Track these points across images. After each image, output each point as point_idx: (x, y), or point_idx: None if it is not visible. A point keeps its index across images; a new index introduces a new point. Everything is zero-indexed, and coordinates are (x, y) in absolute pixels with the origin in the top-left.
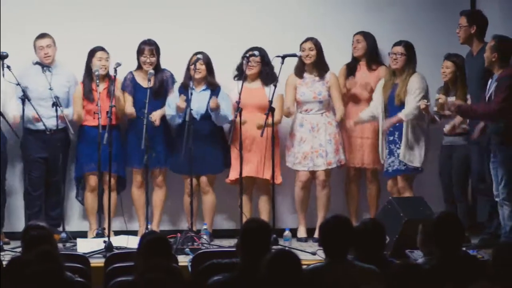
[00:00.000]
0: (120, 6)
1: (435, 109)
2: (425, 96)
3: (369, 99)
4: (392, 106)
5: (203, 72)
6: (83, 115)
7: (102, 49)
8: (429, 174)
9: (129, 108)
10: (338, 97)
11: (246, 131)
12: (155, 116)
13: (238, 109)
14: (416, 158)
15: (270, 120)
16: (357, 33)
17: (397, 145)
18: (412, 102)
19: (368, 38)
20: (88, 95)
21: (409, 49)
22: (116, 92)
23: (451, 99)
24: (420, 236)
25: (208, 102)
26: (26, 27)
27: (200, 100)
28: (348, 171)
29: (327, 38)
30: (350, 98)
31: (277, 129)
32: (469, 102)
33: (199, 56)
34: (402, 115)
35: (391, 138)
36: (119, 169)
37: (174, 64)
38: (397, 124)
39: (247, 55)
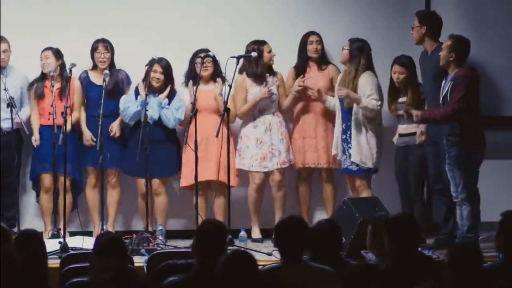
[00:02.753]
0: (76, 7)
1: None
2: (380, 96)
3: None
4: (343, 106)
5: (162, 80)
6: (37, 112)
7: (46, 48)
8: (387, 174)
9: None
10: (283, 94)
11: (201, 132)
12: (115, 128)
13: (193, 110)
14: (368, 158)
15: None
16: (313, 33)
17: (349, 144)
18: (372, 101)
19: (321, 38)
20: (38, 91)
21: (354, 46)
22: (71, 92)
23: (403, 99)
24: (369, 237)
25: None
26: None
27: (154, 106)
28: (299, 171)
29: (278, 37)
30: (300, 103)
31: (231, 130)
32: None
33: (154, 57)
34: (363, 100)
35: (344, 136)
36: (73, 171)
37: (130, 66)
38: (348, 124)
39: (202, 55)
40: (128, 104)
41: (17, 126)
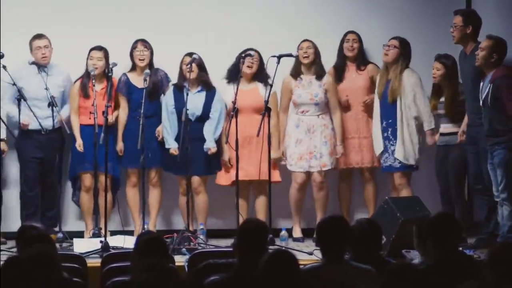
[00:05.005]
0: (116, 6)
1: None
2: (423, 92)
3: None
4: (386, 103)
5: (196, 72)
6: (77, 110)
7: (96, 48)
8: (427, 173)
9: (122, 116)
10: (336, 102)
11: (242, 132)
12: (161, 132)
13: (234, 109)
14: (411, 155)
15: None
16: (351, 32)
17: (391, 142)
18: (427, 113)
19: (359, 37)
20: (84, 90)
21: (403, 46)
22: (113, 92)
23: (443, 99)
24: (415, 237)
25: (204, 104)
26: (21, 27)
27: (195, 102)
28: (341, 171)
29: (320, 38)
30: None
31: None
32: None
33: (195, 56)
34: (427, 128)
35: (385, 134)
36: (114, 169)
37: (168, 65)
38: (390, 121)
39: (243, 55)
40: (166, 135)
41: (59, 124)
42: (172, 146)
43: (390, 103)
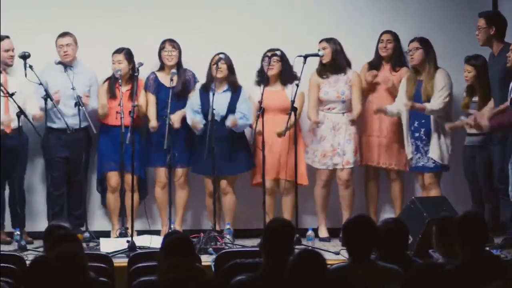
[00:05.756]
0: (144, 5)
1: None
2: (450, 94)
3: (389, 93)
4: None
5: (224, 72)
6: (107, 109)
7: (116, 51)
8: (453, 173)
9: (151, 116)
10: (358, 97)
11: (269, 132)
12: (174, 119)
13: (261, 109)
14: (445, 156)
15: (292, 120)
16: (386, 32)
17: (424, 142)
18: (439, 99)
19: (396, 38)
20: (111, 91)
21: (424, 44)
22: (138, 92)
23: (475, 99)
24: (434, 237)
25: (229, 104)
26: (48, 26)
27: (220, 102)
28: (367, 170)
29: (347, 38)
30: (370, 90)
31: (299, 127)
32: (491, 103)
33: (221, 55)
34: (428, 105)
35: (417, 134)
36: (140, 169)
37: (196, 65)
38: (423, 121)
39: (268, 54)
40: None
41: (85, 123)
42: (197, 119)
43: (425, 102)
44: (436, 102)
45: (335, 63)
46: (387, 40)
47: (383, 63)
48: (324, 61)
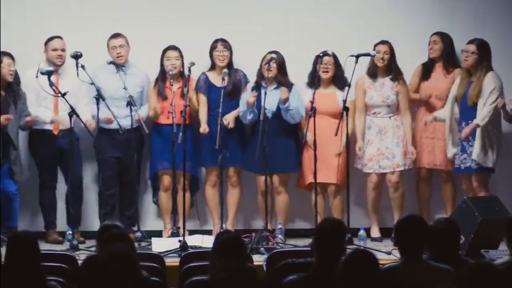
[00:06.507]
0: (194, 5)
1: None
2: (501, 95)
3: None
4: (465, 105)
5: (274, 71)
6: (159, 110)
7: (172, 48)
8: (506, 174)
9: (202, 119)
10: (406, 107)
11: (320, 135)
12: (228, 118)
13: (312, 109)
14: (489, 158)
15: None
16: (434, 34)
17: (470, 143)
18: (487, 105)
19: (445, 38)
20: (161, 93)
21: (481, 49)
22: (190, 92)
23: None
24: (506, 235)
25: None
26: (99, 26)
27: (271, 99)
28: (419, 171)
29: (398, 40)
30: (423, 104)
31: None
32: None
33: (273, 55)
34: (478, 120)
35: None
36: (192, 168)
37: (247, 65)
38: (470, 122)
39: (321, 54)
40: (245, 108)
41: (137, 123)
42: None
43: (470, 105)
44: (484, 110)
45: (391, 67)
46: (433, 41)
47: (436, 65)
48: (380, 64)
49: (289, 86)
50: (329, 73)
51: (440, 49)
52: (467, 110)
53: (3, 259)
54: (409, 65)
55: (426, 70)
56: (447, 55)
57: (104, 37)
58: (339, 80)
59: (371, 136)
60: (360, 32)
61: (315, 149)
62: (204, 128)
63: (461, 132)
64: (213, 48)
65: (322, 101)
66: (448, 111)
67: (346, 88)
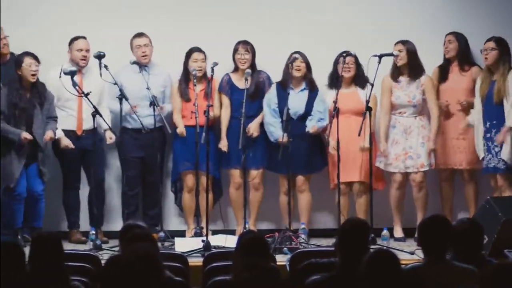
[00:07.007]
0: (217, 7)
1: None
2: None
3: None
4: (490, 104)
5: (303, 70)
6: (181, 111)
7: (198, 50)
8: None
9: (223, 131)
10: (433, 101)
11: (343, 134)
12: (252, 129)
13: (335, 110)
14: None
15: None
16: (449, 33)
17: (495, 143)
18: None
19: (460, 38)
20: (184, 95)
21: (500, 44)
22: (213, 93)
23: None
24: None
25: (307, 103)
26: (121, 26)
27: (298, 100)
28: (442, 171)
29: (418, 39)
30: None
31: (374, 130)
32: None
33: (296, 55)
34: (510, 123)
35: (488, 135)
36: (214, 170)
37: (270, 66)
38: (494, 122)
39: (344, 54)
40: (272, 128)
41: (159, 121)
42: (280, 135)
43: (495, 104)
44: (511, 114)
45: (410, 66)
46: (448, 41)
47: (451, 65)
48: (398, 64)
49: (315, 89)
50: (351, 72)
51: (456, 48)
52: (492, 109)
53: (27, 259)
54: (426, 67)
55: (443, 72)
56: (462, 54)
57: (127, 37)
58: (360, 79)
59: (396, 135)
60: (380, 32)
61: (338, 150)
62: (224, 144)
63: (496, 138)
64: (235, 50)
65: (345, 100)
66: (476, 114)
67: (369, 87)
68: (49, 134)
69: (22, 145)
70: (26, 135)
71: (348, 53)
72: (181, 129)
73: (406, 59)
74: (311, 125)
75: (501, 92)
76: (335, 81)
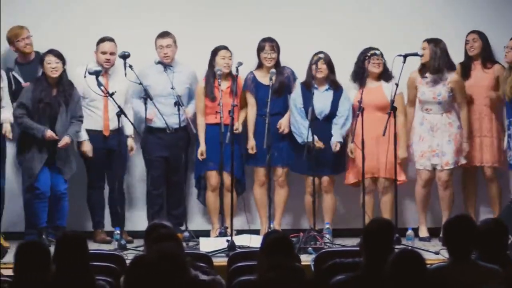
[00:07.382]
0: (242, 5)
1: None
2: None
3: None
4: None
5: (325, 72)
6: (203, 110)
7: (225, 48)
8: None
9: (250, 132)
10: (461, 98)
11: (368, 131)
12: (284, 125)
13: (360, 108)
14: None
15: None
16: (472, 32)
17: None
18: None
19: (482, 36)
20: (210, 93)
21: None
22: (238, 91)
23: None
24: None
25: (332, 103)
26: (148, 25)
27: (323, 100)
28: (465, 170)
29: (441, 37)
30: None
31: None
32: None
33: (321, 55)
34: None
35: (509, 132)
36: (237, 169)
37: (294, 63)
38: None
39: (369, 54)
40: (300, 129)
41: (184, 123)
42: (309, 138)
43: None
44: None
45: (433, 64)
46: (472, 40)
47: (474, 62)
48: (422, 61)
49: (339, 89)
50: (380, 68)
51: (480, 46)
52: (509, 107)
53: (52, 259)
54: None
55: (465, 70)
56: (485, 52)
57: (153, 35)
58: (385, 74)
59: (424, 132)
60: (405, 31)
61: (363, 149)
62: (251, 145)
63: None
64: (261, 48)
65: (369, 95)
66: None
67: (394, 86)
68: (65, 140)
69: (44, 141)
70: (50, 133)
71: (374, 51)
72: (201, 148)
73: (428, 58)
74: (334, 142)
75: None
76: (360, 76)
